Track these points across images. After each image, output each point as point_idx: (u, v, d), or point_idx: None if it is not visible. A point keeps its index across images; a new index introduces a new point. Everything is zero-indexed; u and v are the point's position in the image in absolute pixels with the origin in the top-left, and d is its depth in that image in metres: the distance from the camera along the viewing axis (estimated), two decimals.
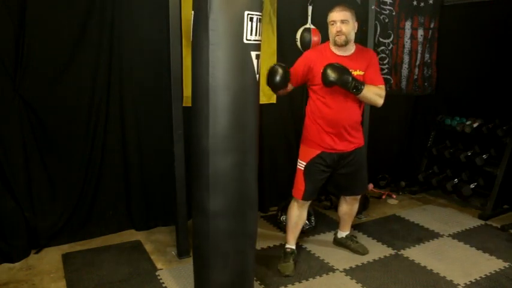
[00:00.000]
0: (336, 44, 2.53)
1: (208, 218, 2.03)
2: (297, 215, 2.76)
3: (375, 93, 2.51)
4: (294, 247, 2.83)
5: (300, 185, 2.67)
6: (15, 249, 2.81)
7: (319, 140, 2.60)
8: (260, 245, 3.05)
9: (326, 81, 2.39)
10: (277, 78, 2.47)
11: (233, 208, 2.04)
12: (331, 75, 2.36)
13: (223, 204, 2.02)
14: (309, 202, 2.78)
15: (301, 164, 2.67)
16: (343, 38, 2.49)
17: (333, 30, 2.51)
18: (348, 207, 2.93)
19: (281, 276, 2.66)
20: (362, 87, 2.43)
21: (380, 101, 2.55)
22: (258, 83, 2.03)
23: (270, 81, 2.50)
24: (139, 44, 3.06)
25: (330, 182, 2.81)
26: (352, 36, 2.54)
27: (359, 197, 2.92)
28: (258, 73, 2.00)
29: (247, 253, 2.16)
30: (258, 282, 2.60)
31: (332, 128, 2.56)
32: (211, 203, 2.01)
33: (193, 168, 2.11)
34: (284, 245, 2.86)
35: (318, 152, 2.61)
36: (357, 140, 2.67)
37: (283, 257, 2.78)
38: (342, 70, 2.38)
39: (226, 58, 1.89)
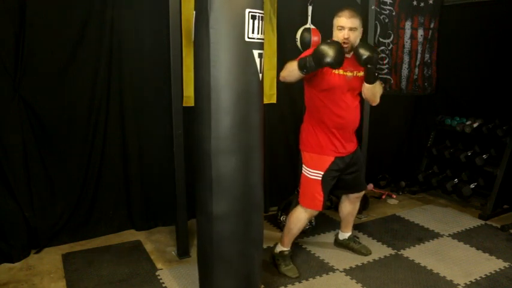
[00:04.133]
0: None
1: (211, 221, 1.99)
2: (304, 224, 2.71)
3: (380, 88, 2.55)
4: (289, 248, 2.80)
5: (317, 195, 2.57)
6: (15, 249, 2.80)
7: (331, 145, 2.54)
8: None
9: (362, 59, 2.29)
10: (333, 56, 2.17)
11: (237, 211, 1.99)
12: (367, 53, 2.28)
13: (226, 207, 1.97)
14: None
15: (317, 174, 2.56)
16: (349, 46, 2.42)
17: (339, 36, 2.42)
18: (351, 207, 2.92)
19: (282, 276, 2.66)
20: (378, 76, 2.43)
21: (378, 99, 2.59)
22: (261, 82, 1.99)
23: (324, 57, 2.17)
24: (140, 44, 3.06)
25: (336, 184, 2.80)
26: (357, 43, 2.46)
27: (361, 194, 2.91)
28: (261, 72, 1.97)
29: (252, 257, 2.10)
30: None
31: (343, 131, 2.54)
32: (214, 206, 1.97)
33: (196, 170, 2.07)
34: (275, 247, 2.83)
35: (333, 158, 2.55)
36: (356, 139, 2.70)
37: (283, 260, 2.75)
38: (374, 49, 2.32)
39: (227, 57, 1.86)
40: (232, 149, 1.94)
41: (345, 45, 2.41)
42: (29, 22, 2.69)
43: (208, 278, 2.11)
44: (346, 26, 2.39)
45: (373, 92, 2.51)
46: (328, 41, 2.27)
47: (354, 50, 2.36)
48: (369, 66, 2.38)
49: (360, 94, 2.58)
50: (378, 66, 4.04)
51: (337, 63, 2.21)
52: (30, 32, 2.70)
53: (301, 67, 2.29)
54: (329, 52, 2.17)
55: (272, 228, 3.40)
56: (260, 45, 1.94)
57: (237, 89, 1.90)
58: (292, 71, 2.36)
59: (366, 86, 2.48)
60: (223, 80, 1.87)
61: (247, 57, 1.89)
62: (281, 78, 2.48)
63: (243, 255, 2.06)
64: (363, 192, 2.91)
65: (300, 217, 2.68)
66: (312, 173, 2.57)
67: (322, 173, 2.55)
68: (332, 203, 3.81)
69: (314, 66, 2.25)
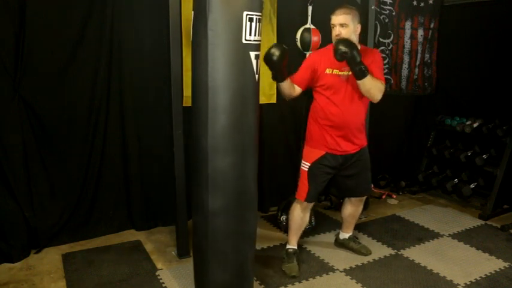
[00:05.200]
0: None
1: (207, 217, 2.04)
2: (301, 217, 2.74)
3: (375, 85, 2.43)
4: (296, 247, 2.82)
5: (303, 186, 2.65)
6: (15, 249, 2.80)
7: (323, 141, 2.58)
8: (260, 245, 3.05)
9: (337, 53, 2.31)
10: (274, 57, 2.28)
11: (232, 207, 2.05)
12: (343, 48, 2.28)
13: (222, 204, 2.03)
14: (312, 204, 2.76)
15: (305, 165, 2.65)
16: None
17: (332, 33, 2.49)
18: (353, 209, 2.92)
19: (282, 276, 2.66)
20: (367, 72, 2.36)
21: (379, 96, 2.47)
22: (257, 83, 2.03)
23: (267, 61, 2.33)
24: (140, 44, 3.06)
25: (334, 184, 2.80)
26: (354, 39, 2.47)
27: (364, 198, 2.92)
28: (257, 73, 2.00)
29: (246, 253, 2.16)
30: (258, 282, 2.60)
31: (337, 129, 2.55)
32: (210, 202, 2.02)
33: (192, 167, 2.12)
34: (285, 245, 2.85)
35: (323, 152, 2.59)
36: (360, 141, 2.66)
37: (287, 257, 2.77)
38: (353, 46, 2.32)
39: (225, 58, 1.90)
40: (228, 148, 1.99)
41: None
42: (29, 22, 2.69)
43: (203, 272, 2.16)
44: (336, 23, 2.46)
45: (365, 88, 2.43)
46: (274, 44, 2.38)
47: (335, 42, 2.36)
48: (349, 63, 2.35)
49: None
50: None
51: (275, 61, 2.31)
52: (30, 32, 2.71)
53: (272, 78, 2.48)
54: (267, 55, 2.29)
55: (272, 228, 3.40)
56: (257, 47, 1.98)
57: (233, 89, 1.94)
58: (278, 87, 2.57)
59: (357, 83, 2.43)
60: (221, 80, 1.91)
61: (244, 59, 1.94)
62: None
63: (237, 250, 2.12)
64: (365, 197, 2.92)
65: (293, 208, 2.76)
66: (303, 164, 2.67)
67: (309, 164, 2.62)
68: (332, 203, 3.81)
69: (273, 74, 2.43)
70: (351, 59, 2.32)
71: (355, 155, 2.66)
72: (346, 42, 2.34)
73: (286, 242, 2.86)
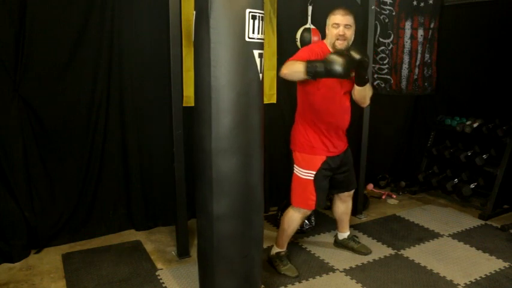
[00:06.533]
0: (334, 48, 2.46)
1: (211, 221, 1.99)
2: (299, 224, 2.73)
3: (371, 91, 2.53)
4: (285, 249, 2.81)
5: (310, 194, 2.59)
6: (15, 249, 2.80)
7: (322, 146, 2.56)
8: None
9: (355, 59, 2.22)
10: (339, 68, 2.14)
11: (237, 211, 2.00)
12: (358, 55, 2.23)
13: (226, 207, 1.98)
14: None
15: (309, 174, 2.57)
16: (344, 43, 2.43)
17: (334, 32, 2.44)
18: (344, 205, 2.93)
19: (281, 276, 2.67)
20: (368, 78, 2.40)
21: (369, 101, 2.57)
22: (261, 82, 2.00)
23: (336, 68, 2.16)
24: (140, 44, 3.06)
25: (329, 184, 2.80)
26: (351, 41, 2.49)
27: (352, 192, 2.92)
28: (261, 72, 1.97)
29: (253, 257, 2.10)
30: None
31: (333, 131, 2.56)
32: (214, 206, 1.97)
33: (196, 169, 2.07)
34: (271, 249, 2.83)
35: (324, 158, 2.57)
36: (346, 137, 2.72)
37: (280, 261, 2.75)
38: (365, 53, 2.34)
39: (227, 57, 1.86)
40: (233, 149, 1.94)
41: (340, 42, 2.43)
42: (29, 22, 2.69)
43: (208, 278, 2.11)
44: (341, 23, 2.42)
45: (363, 94, 2.48)
46: (338, 51, 2.26)
47: (349, 49, 2.34)
48: (360, 69, 2.34)
49: (350, 94, 2.58)
50: (378, 66, 4.05)
51: (347, 74, 2.20)
52: (30, 32, 2.70)
53: (308, 73, 2.22)
54: (341, 63, 2.13)
55: (272, 228, 3.40)
56: (260, 45, 1.95)
57: (237, 89, 1.90)
58: (296, 72, 2.28)
59: (356, 88, 2.45)
60: (224, 80, 1.88)
61: (248, 57, 1.90)
62: (281, 75, 2.39)
63: (243, 254, 2.06)
64: (353, 191, 2.92)
65: (293, 218, 2.69)
66: (305, 173, 2.59)
67: (315, 172, 2.57)
68: (332, 203, 3.81)
69: (323, 75, 2.21)
70: (365, 65, 2.31)
71: (346, 151, 2.71)
72: (360, 49, 2.31)
73: (274, 246, 2.82)
